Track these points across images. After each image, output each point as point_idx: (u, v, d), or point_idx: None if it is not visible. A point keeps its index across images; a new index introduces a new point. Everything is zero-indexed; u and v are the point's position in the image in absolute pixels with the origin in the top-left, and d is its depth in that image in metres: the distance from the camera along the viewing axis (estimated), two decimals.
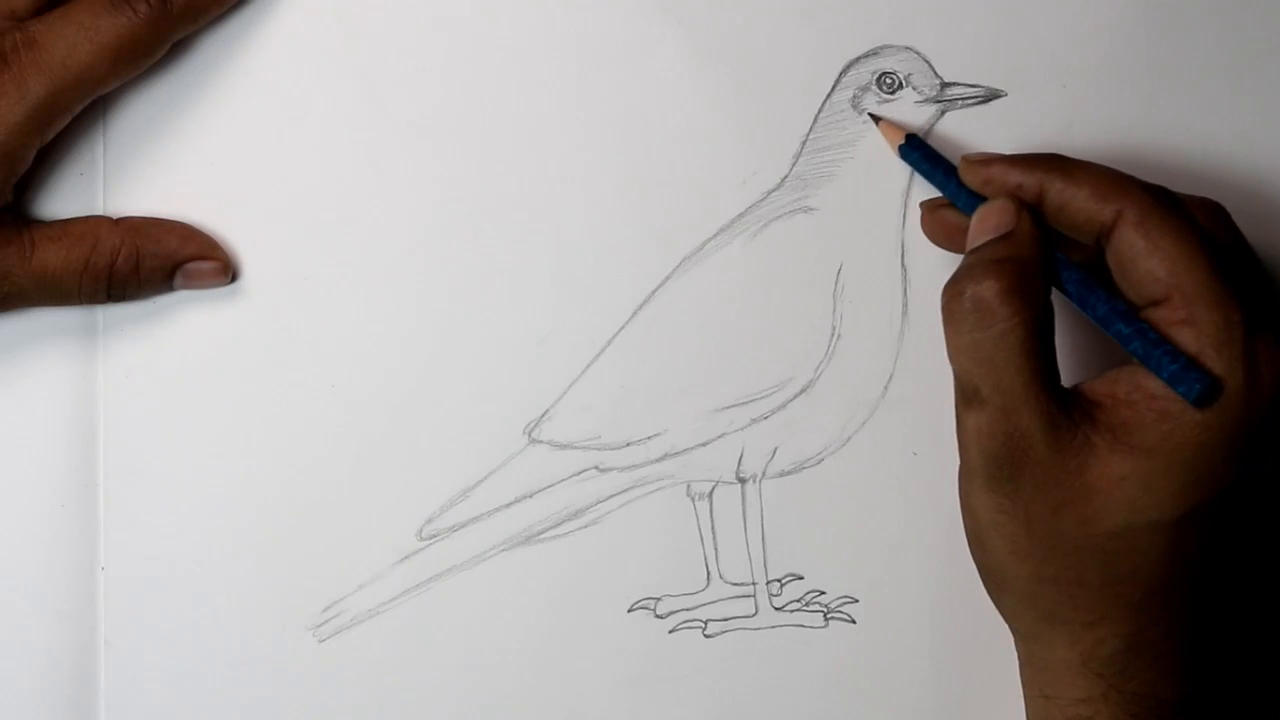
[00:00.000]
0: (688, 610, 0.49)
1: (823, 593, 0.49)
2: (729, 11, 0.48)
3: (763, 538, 0.49)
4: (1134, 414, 0.41)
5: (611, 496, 0.49)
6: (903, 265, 0.49)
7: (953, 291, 0.42)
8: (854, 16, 0.48)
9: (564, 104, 0.48)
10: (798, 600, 0.49)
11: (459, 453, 0.48)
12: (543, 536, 0.49)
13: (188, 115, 0.47)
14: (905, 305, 0.49)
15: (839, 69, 0.48)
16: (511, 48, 0.48)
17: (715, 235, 0.48)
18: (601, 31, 0.48)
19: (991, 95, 0.48)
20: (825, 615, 0.49)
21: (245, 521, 0.48)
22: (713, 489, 0.49)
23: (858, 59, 0.48)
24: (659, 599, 0.49)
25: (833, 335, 0.48)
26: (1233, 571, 0.43)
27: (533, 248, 0.48)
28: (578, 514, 0.48)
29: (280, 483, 0.48)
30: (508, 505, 0.48)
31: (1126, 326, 0.42)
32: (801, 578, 0.49)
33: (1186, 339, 0.40)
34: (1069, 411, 0.41)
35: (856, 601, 0.49)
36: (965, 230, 0.45)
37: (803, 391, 0.48)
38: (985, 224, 0.43)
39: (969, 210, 0.45)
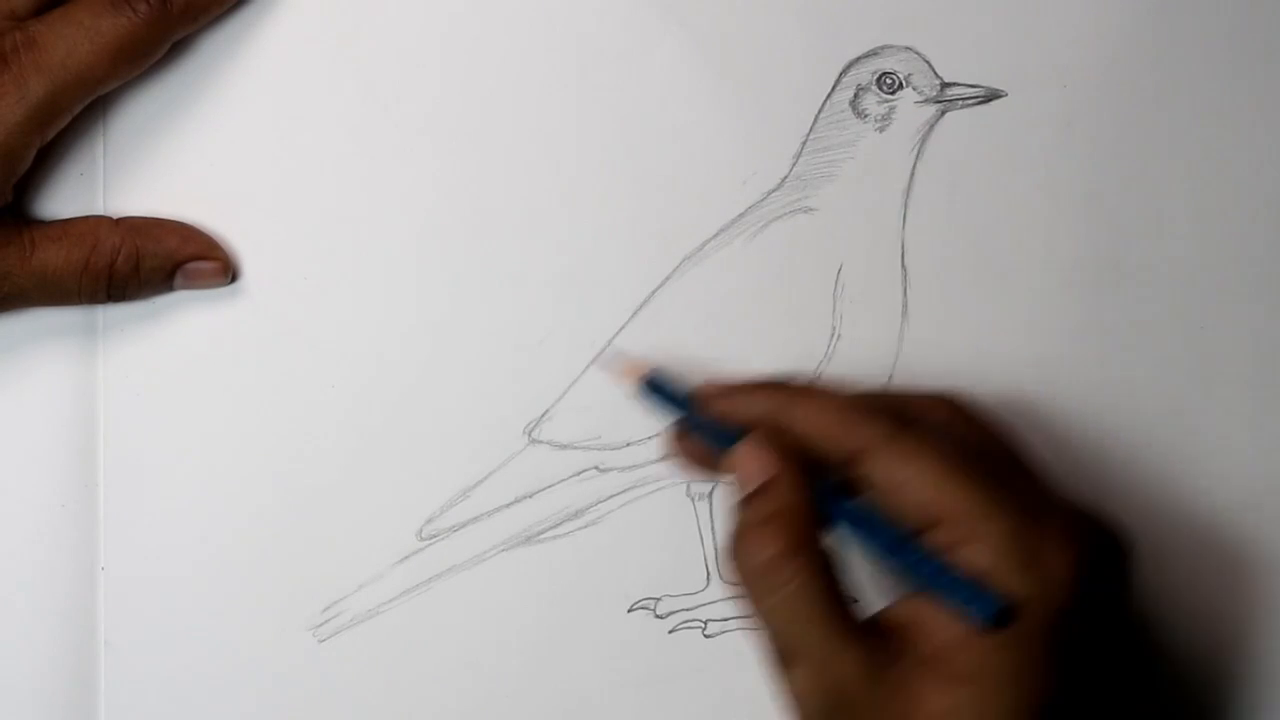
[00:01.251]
0: (688, 610, 0.49)
1: None
2: (729, 11, 0.48)
3: None
4: (944, 641, 0.39)
5: (612, 496, 0.49)
6: (903, 265, 0.49)
7: (736, 563, 0.41)
8: (854, 16, 0.48)
9: (564, 104, 0.48)
10: (734, 585, 0.49)
11: (459, 453, 0.48)
12: (543, 536, 0.49)
13: (188, 115, 0.47)
14: (905, 305, 0.49)
15: (839, 69, 0.48)
16: (511, 47, 0.48)
17: (715, 235, 0.48)
18: (601, 31, 0.48)
19: (992, 95, 0.48)
20: None
21: (245, 521, 0.48)
22: (713, 489, 0.49)
23: (858, 59, 0.48)
24: (659, 599, 0.49)
25: (832, 335, 0.48)
26: None
27: (533, 247, 0.48)
28: (578, 514, 0.49)
29: (280, 483, 0.48)
30: (508, 505, 0.48)
31: (908, 557, 0.41)
32: None
33: (972, 559, 0.39)
34: (882, 648, 0.40)
35: (856, 601, 0.48)
36: (713, 457, 0.44)
37: None
38: (744, 473, 0.42)
39: (717, 441, 0.44)
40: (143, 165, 0.47)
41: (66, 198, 0.47)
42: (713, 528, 0.49)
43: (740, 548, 0.41)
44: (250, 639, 0.48)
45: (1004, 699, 0.39)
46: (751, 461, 0.42)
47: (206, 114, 0.47)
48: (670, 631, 0.49)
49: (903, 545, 0.41)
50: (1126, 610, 0.43)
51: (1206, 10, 0.49)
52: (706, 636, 0.49)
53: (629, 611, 0.49)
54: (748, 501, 0.42)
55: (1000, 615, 0.39)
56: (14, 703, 0.48)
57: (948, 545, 0.40)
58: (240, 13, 0.47)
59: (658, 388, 0.46)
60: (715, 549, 0.49)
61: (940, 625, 0.40)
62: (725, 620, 0.49)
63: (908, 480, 0.40)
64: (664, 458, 0.47)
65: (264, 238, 0.48)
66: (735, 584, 0.42)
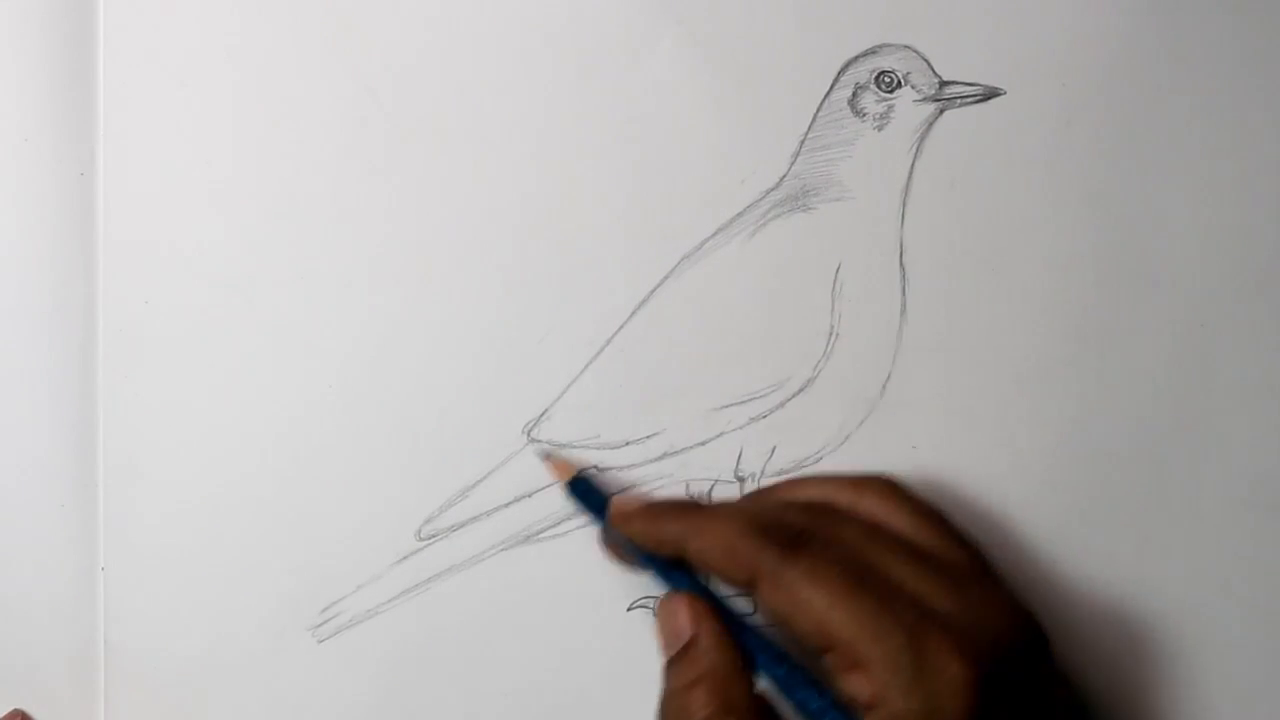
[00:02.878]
0: None
1: None
2: (728, 10, 0.48)
3: None
4: None
5: (611, 496, 0.48)
6: (901, 265, 0.49)
7: None
8: (853, 15, 0.48)
9: (562, 103, 0.48)
10: None
11: (458, 452, 0.48)
12: (542, 536, 0.49)
13: (187, 115, 0.47)
14: (904, 305, 0.49)
15: (838, 68, 0.48)
16: (510, 47, 0.48)
17: (714, 234, 0.48)
18: (600, 30, 0.48)
19: (990, 94, 0.48)
20: None
21: (245, 521, 0.48)
22: (712, 488, 0.49)
23: (856, 58, 0.48)
24: (658, 598, 0.49)
25: (831, 334, 0.48)
26: None
27: (532, 247, 0.48)
28: (577, 513, 0.48)
29: (279, 483, 0.48)
30: (507, 505, 0.48)
31: (794, 695, 0.41)
32: None
33: (863, 684, 0.39)
34: None
35: None
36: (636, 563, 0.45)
37: (801, 391, 0.48)
38: (667, 628, 0.43)
39: (635, 553, 0.45)
40: (143, 165, 0.47)
41: (66, 198, 0.47)
42: None
43: (669, 714, 0.42)
44: (250, 639, 0.48)
45: None
46: (672, 619, 0.43)
47: (206, 114, 0.48)
48: None
49: (796, 685, 0.41)
50: (1052, 687, 0.43)
51: (1205, 9, 0.49)
52: None
53: (628, 610, 0.49)
54: (673, 663, 0.43)
55: None
56: (14, 703, 0.48)
57: (840, 670, 0.40)
58: (239, 12, 0.47)
59: (582, 492, 0.47)
60: None
61: None
62: None
63: (794, 608, 0.40)
64: (600, 545, 0.48)
65: (263, 237, 0.48)
66: None
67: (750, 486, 0.49)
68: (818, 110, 0.48)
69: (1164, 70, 0.49)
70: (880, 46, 0.48)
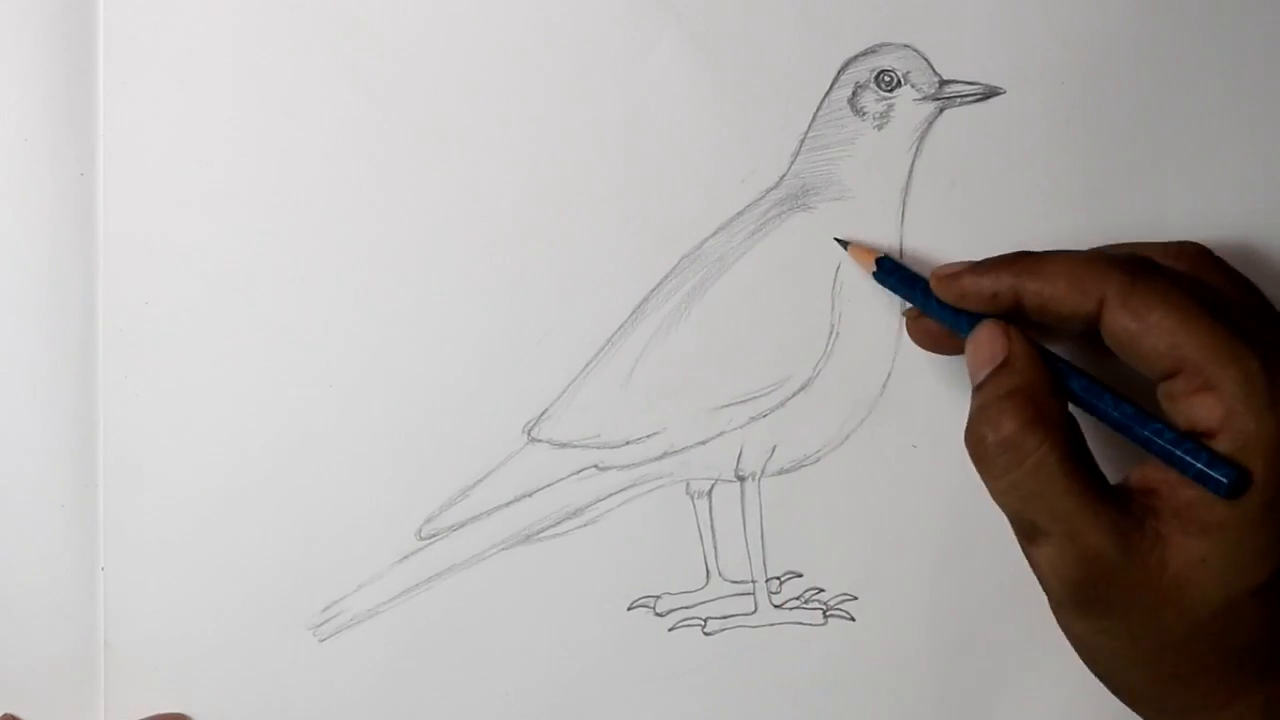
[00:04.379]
0: (687, 608, 0.49)
1: (822, 590, 0.49)
2: (727, 9, 0.48)
3: (762, 535, 0.49)
4: (1192, 495, 0.40)
5: (611, 495, 0.49)
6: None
7: (975, 439, 0.42)
8: (852, 14, 0.48)
9: (562, 102, 0.48)
10: (797, 598, 0.49)
11: (458, 452, 0.48)
12: (542, 535, 0.49)
13: (187, 115, 0.47)
14: (903, 303, 0.49)
15: (837, 67, 0.48)
16: (510, 46, 0.48)
17: (714, 234, 0.48)
18: (599, 29, 0.48)
19: (990, 93, 0.48)
20: (824, 613, 0.49)
21: (245, 521, 0.48)
22: (712, 487, 0.49)
23: (856, 57, 0.48)
24: (658, 597, 0.49)
25: (831, 333, 0.48)
26: None
27: (531, 246, 0.48)
28: (577, 512, 0.49)
29: (280, 482, 0.48)
30: (507, 504, 0.48)
31: (1140, 429, 0.41)
32: (800, 575, 0.49)
33: (1211, 406, 0.40)
34: (1131, 513, 0.41)
35: (855, 599, 0.49)
36: (950, 337, 0.45)
37: (802, 390, 0.48)
38: (979, 356, 0.43)
39: (952, 324, 0.45)
40: (142, 165, 0.47)
41: (66, 198, 0.47)
42: (712, 526, 0.49)
43: (981, 425, 0.42)
44: (250, 639, 0.48)
45: (1258, 542, 0.40)
46: (987, 344, 0.43)
47: (205, 114, 0.48)
48: (670, 630, 0.49)
49: (1135, 418, 0.41)
50: None
51: (1204, 7, 0.49)
52: (706, 634, 0.49)
53: (629, 610, 0.49)
54: (984, 383, 0.42)
55: (1232, 489, 0.39)
56: (14, 703, 0.48)
57: (1186, 394, 0.40)
58: (239, 12, 0.47)
59: (893, 270, 0.47)
60: (714, 547, 0.49)
61: (1185, 482, 0.40)
62: (725, 618, 0.49)
63: (1146, 329, 0.40)
64: (907, 332, 0.47)
65: (263, 237, 0.48)
66: (977, 463, 0.42)
67: (751, 486, 0.49)
68: (817, 109, 0.48)
69: (1163, 70, 0.49)
70: (880, 45, 0.48)
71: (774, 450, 0.49)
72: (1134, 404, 0.42)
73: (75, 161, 0.47)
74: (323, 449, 0.48)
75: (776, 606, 0.49)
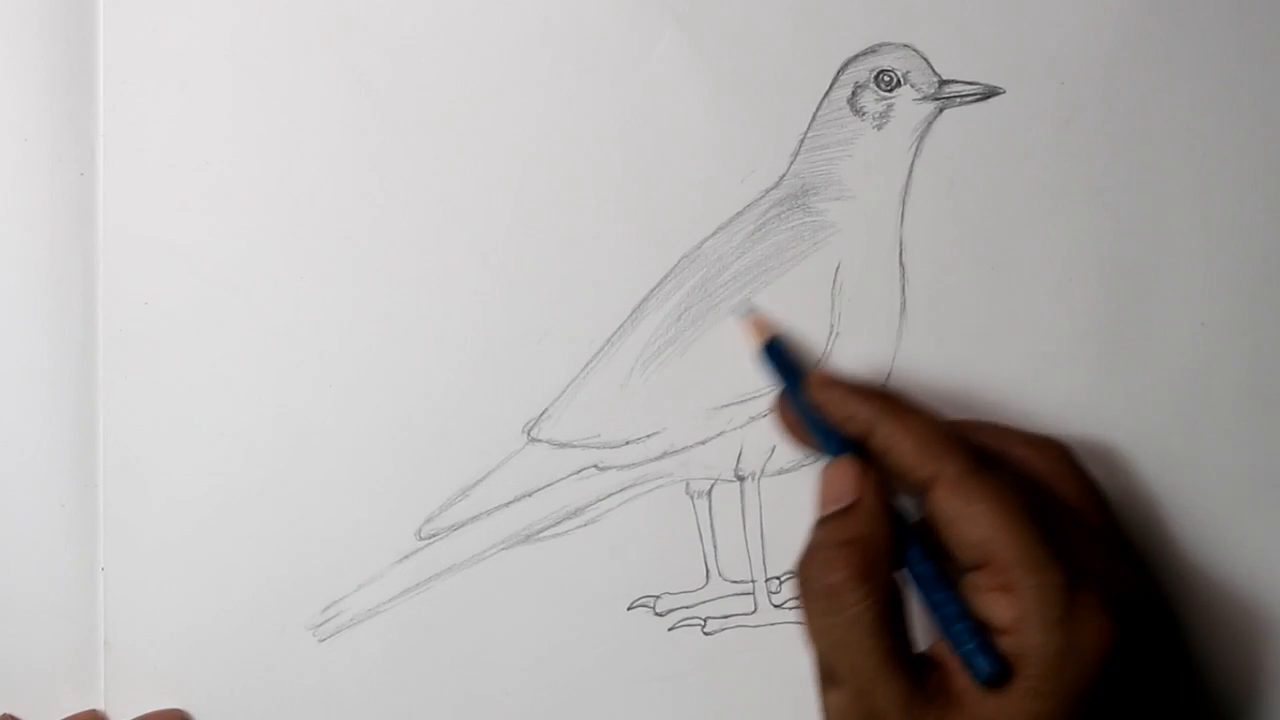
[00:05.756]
0: (687, 608, 0.49)
1: None
2: (727, 9, 0.48)
3: (761, 535, 0.49)
4: (968, 681, 0.41)
5: (611, 495, 0.49)
6: (901, 263, 0.49)
7: (804, 575, 0.42)
8: (852, 14, 0.48)
9: (561, 102, 0.48)
10: (797, 598, 0.49)
11: (458, 452, 0.48)
12: (542, 535, 0.49)
13: (187, 115, 0.47)
14: (903, 303, 0.49)
15: (837, 67, 0.48)
16: (509, 46, 0.48)
17: (714, 234, 0.48)
18: (599, 29, 0.48)
19: (990, 92, 0.48)
20: None
21: (245, 521, 0.48)
22: (712, 487, 0.49)
23: (856, 56, 0.48)
24: (658, 597, 0.49)
25: (831, 333, 0.48)
26: None
27: (531, 246, 0.48)
28: (577, 512, 0.49)
29: (280, 482, 0.48)
30: (507, 504, 0.48)
31: (930, 594, 0.42)
32: None
33: (1004, 607, 0.40)
34: (924, 684, 0.41)
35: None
36: (805, 433, 0.46)
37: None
38: (830, 490, 0.44)
39: (815, 431, 0.45)
40: (142, 165, 0.47)
41: (66, 198, 0.47)
42: (711, 525, 0.49)
43: (811, 566, 0.42)
44: (250, 639, 0.48)
45: None
46: (840, 481, 0.43)
47: (205, 114, 0.48)
48: (670, 629, 0.49)
49: (931, 586, 0.42)
50: (1175, 669, 0.44)
51: (1204, 7, 0.49)
52: (706, 634, 0.49)
53: (628, 609, 0.49)
54: (828, 521, 0.43)
55: (993, 677, 0.40)
56: (15, 703, 0.48)
57: (986, 589, 0.41)
58: (238, 12, 0.47)
59: (776, 355, 0.47)
60: (714, 547, 0.49)
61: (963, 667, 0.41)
62: (724, 618, 0.49)
63: (967, 516, 0.41)
64: (770, 412, 0.48)
65: (262, 237, 0.48)
66: (799, 598, 0.42)
67: (750, 486, 0.49)
68: (817, 109, 0.48)
69: (1164, 70, 0.49)
70: (880, 45, 0.48)
71: (774, 450, 0.49)
72: (939, 569, 0.42)
73: (75, 161, 0.47)
74: (323, 449, 0.48)
75: (776, 606, 0.49)
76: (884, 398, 0.44)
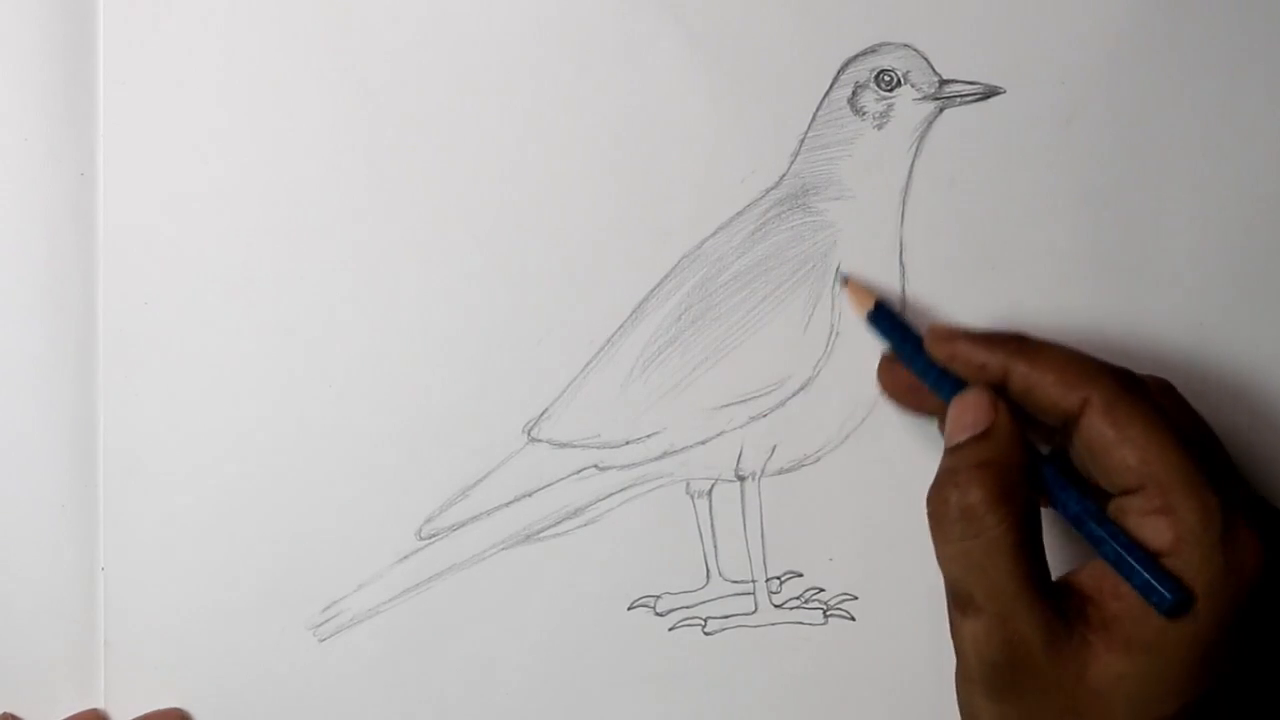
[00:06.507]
0: (687, 608, 0.49)
1: (822, 590, 0.49)
2: (727, 8, 0.48)
3: (762, 535, 0.49)
4: (1125, 609, 0.40)
5: (611, 495, 0.49)
6: (901, 263, 0.49)
7: (939, 499, 0.42)
8: (852, 14, 0.48)
9: (562, 102, 0.48)
10: (797, 597, 0.49)
11: (458, 452, 0.48)
12: (542, 535, 0.49)
13: (187, 115, 0.47)
14: (904, 303, 0.49)
15: (837, 66, 0.48)
16: (509, 45, 0.48)
17: (714, 233, 0.48)
18: (599, 29, 0.48)
19: (990, 92, 0.48)
20: (824, 612, 0.49)
21: (245, 521, 0.48)
22: (712, 487, 0.49)
23: (856, 56, 0.48)
24: (659, 597, 0.49)
25: (831, 333, 0.48)
26: None
27: (532, 246, 0.48)
28: (577, 512, 0.48)
29: (280, 482, 0.48)
30: (507, 504, 0.48)
31: (1097, 529, 0.41)
32: (801, 575, 0.49)
33: (1162, 530, 0.40)
34: (1064, 611, 0.41)
35: (856, 598, 0.49)
36: (921, 390, 0.45)
37: (802, 389, 0.48)
38: (962, 419, 0.43)
39: (934, 384, 0.45)
40: (142, 165, 0.47)
41: (66, 198, 0.47)
42: (712, 526, 0.49)
43: (947, 488, 0.42)
44: (250, 638, 0.48)
45: (1176, 673, 0.40)
46: (975, 408, 0.43)
47: (205, 114, 0.48)
48: (670, 629, 0.49)
49: (1096, 515, 0.41)
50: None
51: (1205, 7, 0.49)
52: (706, 634, 0.49)
53: (629, 609, 0.49)
54: (963, 446, 0.42)
55: (1173, 607, 0.39)
56: (15, 703, 0.48)
57: (1143, 512, 0.40)
58: (238, 12, 0.47)
59: (887, 317, 0.47)
60: (715, 547, 0.49)
61: (1124, 593, 0.40)
62: (725, 618, 0.49)
63: (1124, 441, 0.41)
64: (878, 377, 0.48)
65: (262, 237, 0.48)
66: (933, 523, 0.42)
67: (751, 486, 0.49)
68: (817, 109, 0.48)
69: (1164, 70, 0.49)
70: (880, 45, 0.48)
71: (774, 450, 0.49)
72: (1096, 503, 0.42)
73: (75, 161, 0.47)
74: (323, 449, 0.48)
75: (777, 606, 0.49)
76: (1011, 339, 0.44)
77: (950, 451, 0.43)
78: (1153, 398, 0.42)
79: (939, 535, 0.42)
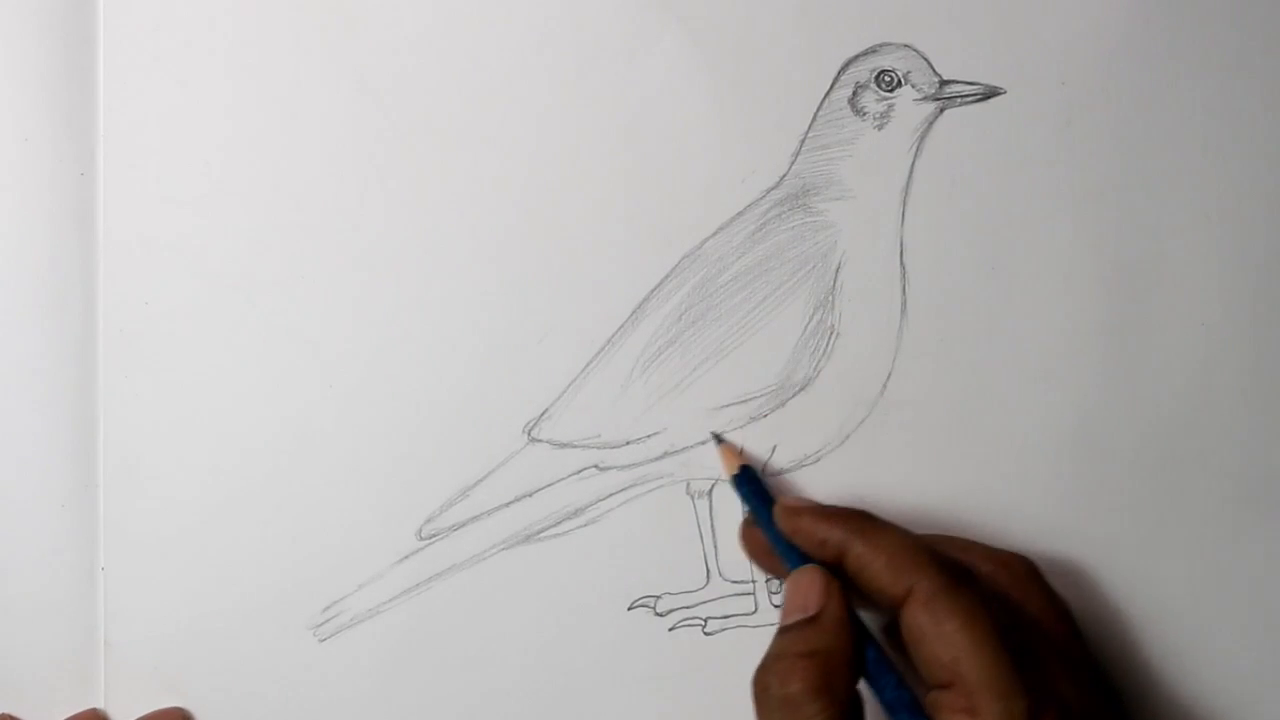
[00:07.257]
0: (687, 608, 0.49)
1: None
2: (728, 9, 0.48)
3: None
4: None
5: (611, 495, 0.49)
6: (901, 264, 0.49)
7: (761, 684, 0.42)
8: (853, 14, 0.48)
9: (563, 102, 0.48)
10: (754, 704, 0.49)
11: (459, 452, 0.48)
12: (542, 535, 0.49)
13: (187, 115, 0.47)
14: (904, 304, 0.49)
15: (838, 67, 0.48)
16: (510, 47, 0.48)
17: (714, 234, 0.48)
18: (600, 29, 0.48)
19: (990, 93, 0.48)
20: None
21: (245, 521, 0.48)
22: (712, 487, 0.49)
23: (856, 57, 0.48)
24: (659, 597, 0.49)
25: (831, 334, 0.48)
26: None
27: (532, 246, 0.48)
28: (577, 512, 0.49)
29: (280, 482, 0.48)
30: (507, 504, 0.48)
31: (896, 715, 0.42)
32: None
33: None
34: None
35: None
36: (776, 560, 0.46)
37: (801, 390, 0.49)
38: (794, 599, 0.43)
39: (782, 552, 0.45)
40: (142, 165, 0.47)
41: (66, 198, 0.47)
42: (712, 526, 0.49)
43: (769, 674, 0.42)
44: (250, 638, 0.48)
45: None
46: (804, 590, 0.43)
47: (205, 114, 0.48)
48: (670, 629, 0.49)
49: (910, 709, 0.41)
50: None
51: (1205, 9, 0.49)
52: (706, 634, 0.49)
53: (629, 610, 0.49)
54: (790, 630, 0.43)
55: None
56: (15, 703, 0.48)
57: (952, 710, 0.40)
58: (238, 12, 0.47)
59: (749, 481, 0.47)
60: (715, 547, 0.49)
61: None
62: (725, 618, 0.49)
63: (939, 635, 0.41)
64: (739, 535, 0.48)
65: (263, 237, 0.48)
66: (756, 704, 0.42)
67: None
68: (818, 109, 0.48)
69: (1164, 70, 0.49)
70: (880, 45, 0.48)
71: (774, 450, 0.49)
72: (912, 694, 0.42)
73: (75, 161, 0.47)
74: (323, 449, 0.48)
75: (777, 606, 0.49)
76: (853, 517, 0.44)
77: (780, 633, 0.43)
78: (980, 594, 0.42)
79: (760, 717, 0.42)
